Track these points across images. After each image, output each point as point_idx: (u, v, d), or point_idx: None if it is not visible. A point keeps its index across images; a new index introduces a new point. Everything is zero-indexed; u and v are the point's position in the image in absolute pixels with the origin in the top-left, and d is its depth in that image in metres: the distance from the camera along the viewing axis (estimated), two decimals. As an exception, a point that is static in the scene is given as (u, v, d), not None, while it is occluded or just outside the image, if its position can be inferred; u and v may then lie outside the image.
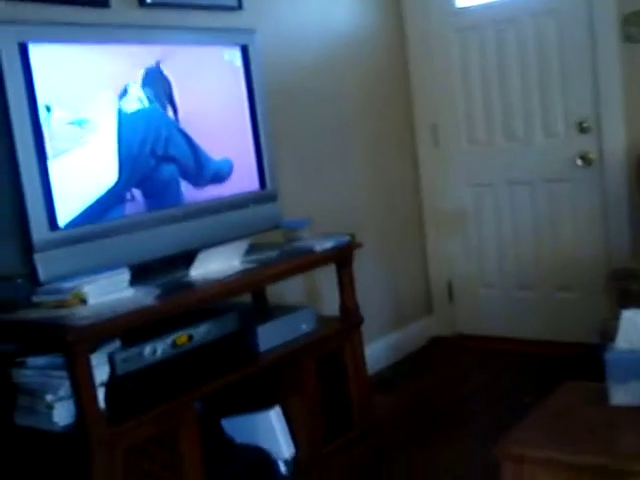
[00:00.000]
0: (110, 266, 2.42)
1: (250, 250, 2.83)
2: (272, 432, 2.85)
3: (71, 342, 2.10)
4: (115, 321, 2.19)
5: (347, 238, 3.01)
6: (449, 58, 4.38)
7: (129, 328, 2.29)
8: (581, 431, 2.30)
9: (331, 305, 3.18)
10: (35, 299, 2.32)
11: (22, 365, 2.33)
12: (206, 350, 2.60)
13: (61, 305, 2.23)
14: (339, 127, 4.02)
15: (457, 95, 4.40)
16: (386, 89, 4.37)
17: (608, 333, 2.58)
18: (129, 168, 2.59)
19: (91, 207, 2.46)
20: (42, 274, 2.32)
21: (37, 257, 2.32)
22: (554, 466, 2.13)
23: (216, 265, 2.70)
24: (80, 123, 2.43)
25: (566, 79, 4.03)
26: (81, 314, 2.17)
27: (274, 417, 2.85)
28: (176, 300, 2.40)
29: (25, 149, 2.28)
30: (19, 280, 2.43)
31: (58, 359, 2.27)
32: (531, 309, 4.34)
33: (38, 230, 2.32)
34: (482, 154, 4.38)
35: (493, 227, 4.43)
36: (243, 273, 2.66)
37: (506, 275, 4.43)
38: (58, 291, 2.25)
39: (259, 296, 3.20)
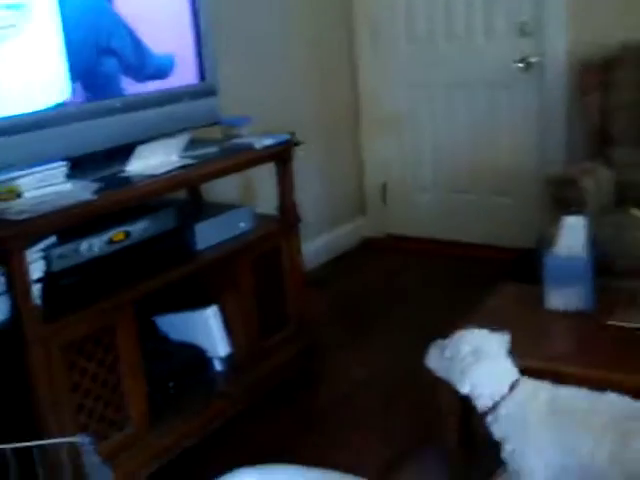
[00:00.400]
0: (45, 160, 2.31)
1: (188, 146, 2.74)
2: (209, 330, 2.84)
3: (6, 238, 2.02)
4: (52, 217, 2.11)
5: (287, 136, 2.94)
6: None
7: (66, 224, 2.20)
8: (517, 333, 2.34)
9: (266, 204, 3.13)
10: (-36, 191, 2.20)
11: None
12: (143, 247, 2.53)
13: (-6, 199, 2.12)
14: (279, 24, 3.90)
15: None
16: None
17: (545, 239, 2.61)
18: (71, 60, 2.44)
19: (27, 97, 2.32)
20: (-29, 165, 2.20)
21: (-35, 147, 2.19)
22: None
23: (154, 160, 2.61)
24: (17, 7, 2.26)
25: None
26: (16, 208, 2.07)
27: (211, 315, 2.84)
28: (115, 195, 2.32)
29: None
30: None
31: (-11, 249, 2.18)
32: (465, 213, 4.37)
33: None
34: (421, 54, 4.31)
35: (429, 130, 4.40)
36: (182, 169, 2.58)
37: (441, 179, 4.44)
38: (-11, 184, 2.13)
39: (195, 193, 3.13)
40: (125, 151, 2.59)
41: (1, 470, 1.85)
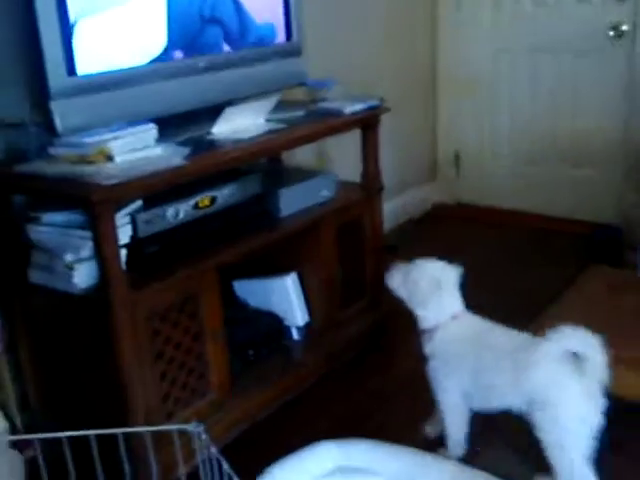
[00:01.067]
0: (130, 119, 2.24)
1: (274, 108, 2.65)
2: (287, 298, 2.78)
3: (97, 202, 1.95)
4: (143, 181, 2.04)
5: (376, 101, 2.83)
6: None
7: (155, 189, 2.14)
8: (613, 319, 2.24)
9: (341, 170, 3.03)
10: (52, 151, 2.14)
11: (37, 221, 2.18)
12: (228, 213, 2.47)
13: (83, 160, 2.06)
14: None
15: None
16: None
17: (630, 217, 2.49)
18: (172, 25, 2.38)
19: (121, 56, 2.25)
20: (59, 124, 2.13)
21: (53, 105, 2.12)
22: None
23: (241, 123, 2.53)
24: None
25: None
26: (107, 172, 2.00)
27: (290, 284, 2.78)
28: (205, 161, 2.24)
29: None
30: (32, 128, 2.24)
31: (77, 217, 2.13)
32: (542, 184, 4.22)
33: (55, 75, 2.11)
34: (506, 18, 4.13)
35: (509, 97, 4.24)
36: (270, 134, 2.49)
37: (518, 147, 4.29)
38: (80, 145, 2.07)
39: (275, 157, 3.04)
40: (210, 112, 2.52)
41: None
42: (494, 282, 3.51)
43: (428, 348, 2.25)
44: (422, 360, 2.29)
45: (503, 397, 2.08)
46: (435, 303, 2.21)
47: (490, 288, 3.50)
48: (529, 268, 3.71)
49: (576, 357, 1.94)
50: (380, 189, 2.95)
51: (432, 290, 2.21)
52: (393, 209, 4.20)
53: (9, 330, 2.34)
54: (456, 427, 2.25)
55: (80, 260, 2.10)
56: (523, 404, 2.02)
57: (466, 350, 2.16)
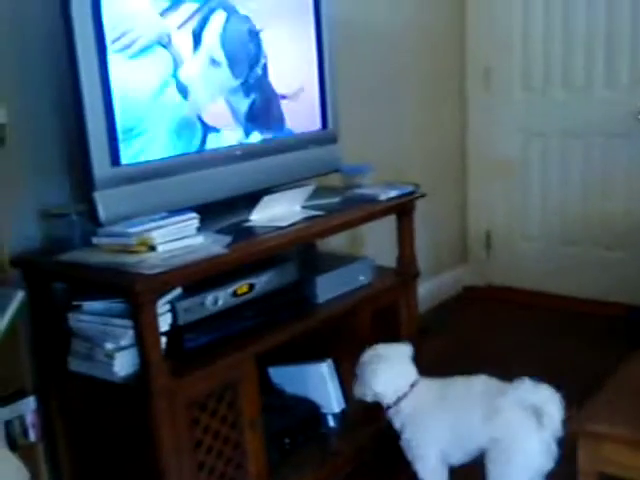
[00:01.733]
0: (170, 208, 2.27)
1: (310, 195, 2.68)
2: (323, 385, 2.76)
3: (140, 291, 1.97)
4: (185, 270, 2.05)
5: (411, 187, 2.86)
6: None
7: (197, 278, 2.15)
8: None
9: (375, 254, 3.04)
10: (95, 241, 2.17)
11: (78, 309, 2.20)
12: (266, 300, 2.47)
13: (126, 250, 2.08)
14: (392, 68, 3.84)
15: (515, 38, 4.19)
16: (441, 29, 4.17)
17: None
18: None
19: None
20: (102, 214, 2.17)
21: (97, 195, 2.16)
22: (638, 445, 2.03)
23: (278, 210, 2.55)
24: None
25: (636, 27, 3.82)
26: (150, 262, 2.02)
27: (326, 370, 2.75)
28: (245, 249, 2.25)
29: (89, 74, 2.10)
30: (75, 217, 2.28)
31: (117, 305, 2.15)
32: (572, 266, 4.21)
33: (100, 165, 2.16)
34: (536, 102, 4.20)
35: (539, 179, 4.27)
36: (307, 221, 2.51)
37: (549, 229, 4.29)
38: (123, 235, 2.09)
39: (309, 243, 3.06)
40: (248, 199, 2.55)
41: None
42: (527, 366, 3.45)
43: (397, 423, 2.37)
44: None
45: (477, 441, 2.23)
46: (388, 378, 2.34)
47: (524, 372, 3.45)
48: (564, 351, 3.67)
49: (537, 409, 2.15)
50: (416, 275, 2.95)
51: (378, 366, 2.34)
52: (425, 291, 4.18)
53: (46, 418, 2.33)
54: None
55: (120, 348, 2.11)
56: (486, 442, 2.20)
57: (435, 409, 2.30)
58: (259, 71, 2.61)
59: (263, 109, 2.66)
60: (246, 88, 2.58)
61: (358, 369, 2.42)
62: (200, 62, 2.41)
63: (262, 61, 2.61)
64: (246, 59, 2.57)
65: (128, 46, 2.19)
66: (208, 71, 2.45)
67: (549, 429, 2.14)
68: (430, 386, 2.37)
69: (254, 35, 2.57)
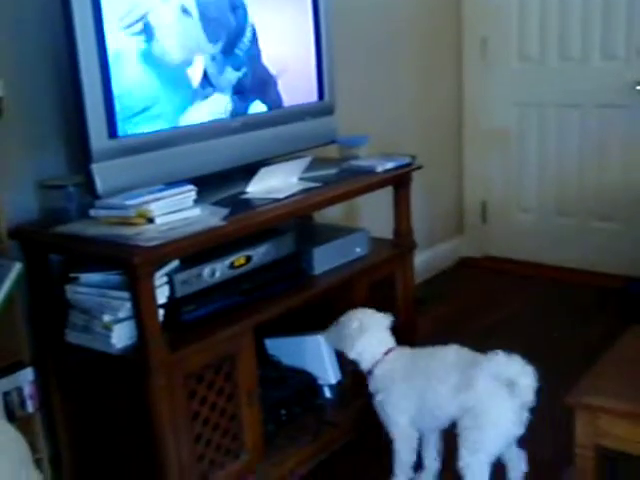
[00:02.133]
0: (167, 180, 2.26)
1: (307, 166, 2.67)
2: (320, 357, 2.77)
3: (138, 264, 1.97)
4: (183, 243, 2.05)
5: (408, 159, 2.85)
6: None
7: (194, 250, 2.15)
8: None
9: (372, 225, 3.03)
10: (93, 213, 2.16)
11: (75, 281, 2.20)
12: (263, 272, 2.47)
13: (124, 222, 2.08)
14: (387, 39, 3.80)
15: (511, 8, 4.16)
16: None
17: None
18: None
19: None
20: (100, 186, 2.18)
21: (94, 167, 2.16)
22: (636, 418, 2.05)
23: (275, 182, 2.54)
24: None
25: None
26: (148, 234, 2.01)
27: (322, 342, 2.76)
28: (243, 221, 2.25)
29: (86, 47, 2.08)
30: (72, 189, 2.27)
31: (114, 277, 2.15)
32: (568, 237, 4.22)
33: (97, 137, 2.15)
34: (532, 72, 4.18)
35: (536, 150, 4.26)
36: (305, 193, 2.50)
37: (545, 200, 4.29)
38: (121, 207, 2.08)
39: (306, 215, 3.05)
40: (244, 171, 2.54)
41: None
42: (524, 337, 3.48)
43: (371, 386, 2.46)
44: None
45: (447, 410, 2.29)
46: (366, 344, 2.43)
47: (520, 344, 3.47)
48: (559, 322, 3.69)
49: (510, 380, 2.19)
50: (412, 247, 2.96)
51: (358, 332, 2.43)
52: (421, 262, 4.18)
53: (44, 389, 2.34)
54: (408, 454, 2.43)
55: (118, 320, 2.11)
56: (458, 411, 2.26)
57: (406, 377, 2.38)
58: (246, 41, 2.57)
59: (257, 80, 2.64)
60: (234, 59, 2.54)
61: (336, 324, 2.53)
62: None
63: (249, 30, 2.57)
64: (225, 26, 2.52)
65: (124, 17, 2.17)
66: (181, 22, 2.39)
67: (521, 399, 2.19)
68: (404, 354, 2.46)
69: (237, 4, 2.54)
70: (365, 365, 2.48)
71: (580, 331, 3.55)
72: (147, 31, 2.24)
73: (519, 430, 2.24)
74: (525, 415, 2.23)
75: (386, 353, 2.46)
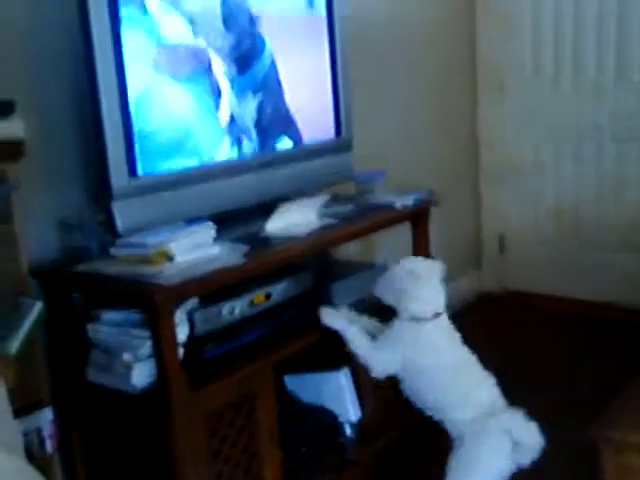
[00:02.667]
0: (187, 218, 2.27)
1: (325, 203, 2.68)
2: (340, 393, 2.74)
3: (158, 302, 1.97)
4: (203, 281, 2.06)
5: (426, 194, 2.85)
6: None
7: (214, 288, 2.16)
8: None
9: (388, 259, 3.01)
10: (113, 252, 2.17)
11: (96, 320, 2.20)
12: (282, 309, 2.47)
13: (144, 261, 2.08)
14: (405, 74, 3.83)
15: (525, 39, 4.17)
16: (452, 29, 4.17)
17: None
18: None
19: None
20: (120, 224, 2.18)
21: (115, 206, 2.17)
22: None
23: (293, 219, 2.55)
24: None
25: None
26: (168, 273, 2.02)
27: (343, 378, 2.74)
28: (262, 259, 2.26)
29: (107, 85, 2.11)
30: (93, 228, 2.28)
31: (134, 315, 2.15)
32: (587, 269, 4.18)
33: (117, 176, 2.16)
34: (547, 105, 4.18)
35: (553, 181, 4.25)
36: (323, 230, 2.51)
37: (563, 232, 4.27)
38: (141, 245, 2.10)
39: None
40: (263, 208, 2.55)
41: None
42: (544, 371, 3.46)
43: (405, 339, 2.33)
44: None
45: (447, 414, 2.31)
46: (416, 296, 2.28)
47: (540, 377, 3.44)
48: (579, 355, 3.65)
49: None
50: (431, 281, 2.93)
51: (410, 282, 2.29)
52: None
53: (63, 429, 2.33)
54: None
55: (138, 359, 2.10)
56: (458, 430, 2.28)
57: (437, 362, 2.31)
58: (267, 80, 2.60)
59: (276, 118, 2.66)
60: (255, 98, 2.57)
61: (386, 275, 2.40)
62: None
63: (270, 68, 2.60)
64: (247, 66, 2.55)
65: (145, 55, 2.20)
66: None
67: (522, 458, 2.20)
68: (452, 335, 2.40)
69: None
70: (406, 316, 2.33)
71: (601, 364, 3.51)
72: (169, 69, 2.27)
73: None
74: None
75: (435, 314, 2.34)
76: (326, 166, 2.82)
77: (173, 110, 2.30)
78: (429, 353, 2.33)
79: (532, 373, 3.54)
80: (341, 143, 2.89)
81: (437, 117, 4.10)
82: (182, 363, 2.11)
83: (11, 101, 2.06)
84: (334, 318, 2.42)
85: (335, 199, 2.75)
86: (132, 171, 2.19)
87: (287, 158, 2.68)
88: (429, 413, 2.40)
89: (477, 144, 4.42)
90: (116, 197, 2.16)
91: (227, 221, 2.45)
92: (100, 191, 2.20)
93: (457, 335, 2.42)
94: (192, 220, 2.24)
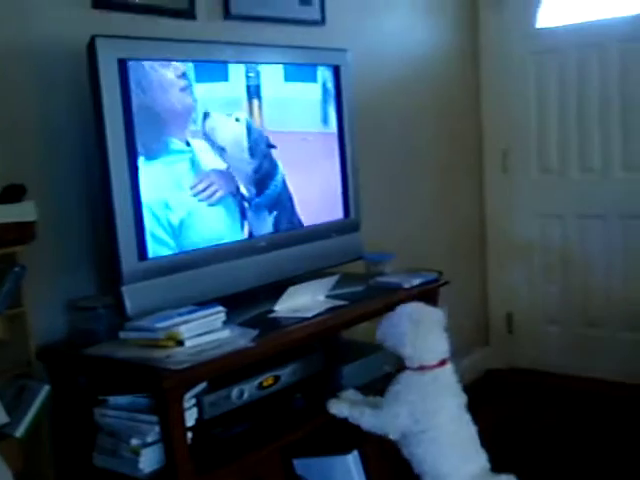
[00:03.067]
0: (195, 300, 2.27)
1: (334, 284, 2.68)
2: (349, 477, 2.69)
3: (168, 387, 1.95)
4: (212, 365, 2.04)
5: (434, 275, 2.85)
6: (525, 81, 4.23)
7: (223, 372, 2.14)
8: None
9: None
10: (122, 335, 2.16)
11: (104, 404, 2.18)
12: (291, 392, 2.45)
13: (154, 345, 2.08)
14: (409, 153, 3.87)
15: (531, 121, 4.25)
16: (458, 112, 4.22)
17: None
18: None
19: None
20: (129, 308, 2.19)
21: (124, 289, 2.18)
22: None
23: (302, 300, 2.55)
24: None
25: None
26: (178, 357, 2.01)
27: (352, 462, 2.69)
28: (272, 342, 2.24)
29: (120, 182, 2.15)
30: (102, 311, 2.28)
31: (143, 400, 2.13)
32: (597, 348, 4.17)
33: (127, 260, 2.18)
34: (553, 184, 4.23)
35: (560, 260, 4.26)
36: (334, 311, 2.50)
37: (571, 311, 4.26)
38: (150, 329, 2.09)
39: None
40: (272, 289, 2.55)
41: None
42: (555, 452, 3.40)
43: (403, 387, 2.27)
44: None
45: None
46: (419, 342, 2.22)
47: (551, 458, 3.39)
48: (590, 436, 3.59)
49: None
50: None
51: (410, 326, 2.23)
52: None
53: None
54: None
55: (146, 444, 2.07)
56: None
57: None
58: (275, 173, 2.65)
59: (284, 200, 2.69)
60: (264, 184, 2.61)
61: (386, 319, 2.33)
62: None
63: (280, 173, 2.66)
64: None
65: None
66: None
67: None
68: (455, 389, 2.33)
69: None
70: (410, 364, 2.26)
71: (614, 445, 3.46)
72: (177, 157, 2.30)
73: None
74: None
75: (440, 363, 2.27)
76: (335, 246, 2.85)
77: (180, 196, 2.33)
78: (435, 400, 2.26)
79: (542, 453, 3.48)
80: (350, 224, 2.92)
81: (443, 197, 4.14)
82: (190, 446, 2.08)
83: (22, 185, 2.09)
84: (340, 407, 2.39)
85: (344, 280, 2.74)
86: (142, 255, 2.21)
87: (296, 239, 2.71)
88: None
89: (484, 223, 4.44)
90: (126, 281, 2.17)
91: (237, 302, 2.45)
92: (110, 274, 2.21)
93: (459, 389, 2.37)
94: (202, 303, 2.24)
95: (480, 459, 2.33)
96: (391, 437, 2.32)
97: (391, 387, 2.33)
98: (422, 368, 2.25)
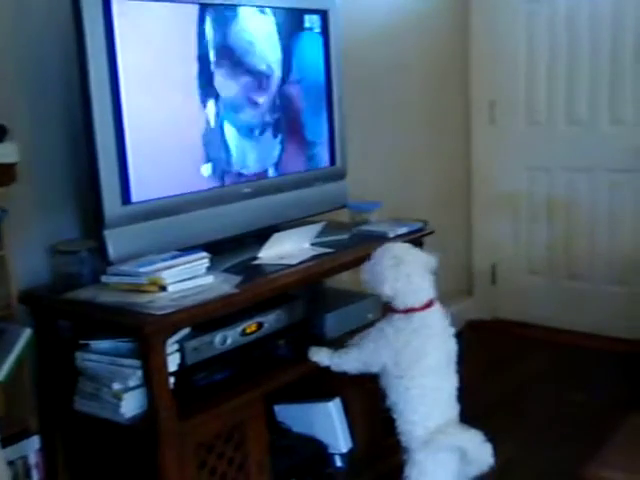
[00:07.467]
0: (179, 246, 2.26)
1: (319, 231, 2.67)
2: (331, 424, 2.71)
3: (150, 332, 1.95)
4: (195, 311, 2.03)
5: (419, 224, 2.84)
6: (514, 31, 4.18)
7: (206, 317, 2.13)
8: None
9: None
10: (105, 279, 2.15)
11: (85, 349, 2.17)
12: (274, 338, 2.45)
13: (136, 289, 2.06)
14: (397, 102, 3.83)
15: (519, 72, 4.21)
16: (445, 61, 4.17)
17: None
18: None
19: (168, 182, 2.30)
20: (112, 252, 2.17)
21: (107, 233, 2.16)
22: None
23: (287, 247, 2.54)
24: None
25: (640, 65, 3.83)
26: (160, 302, 2.00)
27: (334, 409, 2.71)
28: (256, 289, 2.24)
29: (102, 116, 2.09)
30: (84, 255, 2.26)
31: (125, 345, 2.13)
32: (579, 300, 4.19)
33: (110, 204, 2.15)
34: (540, 136, 4.20)
35: (545, 212, 4.26)
36: (319, 259, 2.49)
37: (555, 263, 4.28)
38: (133, 274, 2.07)
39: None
40: (256, 236, 2.53)
41: None
42: (535, 403, 3.43)
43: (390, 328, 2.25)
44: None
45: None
46: (401, 282, 2.19)
47: (531, 409, 3.42)
48: (569, 388, 3.63)
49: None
50: (423, 311, 2.92)
51: (392, 266, 2.19)
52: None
53: (49, 458, 2.29)
54: None
55: (128, 389, 2.07)
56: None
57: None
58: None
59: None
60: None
61: (370, 259, 2.29)
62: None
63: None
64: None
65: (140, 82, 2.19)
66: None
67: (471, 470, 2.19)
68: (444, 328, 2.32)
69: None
70: (397, 306, 2.24)
71: (593, 397, 3.49)
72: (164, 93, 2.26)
73: None
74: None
75: (426, 305, 2.26)
76: (320, 194, 2.83)
77: (167, 138, 2.29)
78: (420, 347, 2.24)
79: (521, 403, 3.52)
80: (335, 172, 2.89)
81: (430, 148, 4.11)
82: (172, 392, 2.08)
83: (3, 125, 2.04)
84: (321, 355, 2.41)
85: (329, 228, 2.73)
86: (125, 199, 2.18)
87: (280, 186, 2.68)
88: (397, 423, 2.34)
89: (470, 174, 4.43)
90: (108, 225, 2.15)
91: (221, 249, 2.43)
92: (93, 218, 2.18)
93: (450, 329, 2.37)
94: (185, 249, 2.22)
95: (451, 413, 2.32)
96: (373, 370, 2.32)
97: (377, 324, 2.32)
98: (408, 311, 2.22)
